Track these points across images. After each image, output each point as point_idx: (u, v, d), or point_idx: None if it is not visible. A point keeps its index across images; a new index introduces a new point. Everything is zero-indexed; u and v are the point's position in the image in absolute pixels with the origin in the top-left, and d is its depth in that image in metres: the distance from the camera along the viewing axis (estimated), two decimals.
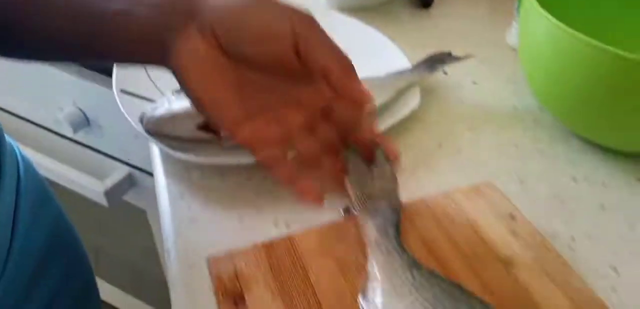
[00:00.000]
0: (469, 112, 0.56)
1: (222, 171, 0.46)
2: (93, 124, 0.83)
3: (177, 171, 0.47)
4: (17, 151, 0.50)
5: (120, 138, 0.83)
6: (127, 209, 0.94)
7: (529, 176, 0.48)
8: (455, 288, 0.34)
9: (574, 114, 0.51)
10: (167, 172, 0.47)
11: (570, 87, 0.48)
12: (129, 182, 0.86)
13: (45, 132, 0.92)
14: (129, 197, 0.90)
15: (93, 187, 0.83)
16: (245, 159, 0.42)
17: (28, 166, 0.51)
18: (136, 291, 1.21)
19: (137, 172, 0.86)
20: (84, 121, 0.82)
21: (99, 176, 0.85)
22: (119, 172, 0.85)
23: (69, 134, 0.84)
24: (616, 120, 0.48)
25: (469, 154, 0.51)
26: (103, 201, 0.84)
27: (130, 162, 0.86)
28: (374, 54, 0.57)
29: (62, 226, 0.55)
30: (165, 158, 0.48)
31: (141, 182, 0.87)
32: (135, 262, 1.12)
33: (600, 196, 0.47)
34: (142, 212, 0.93)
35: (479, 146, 0.52)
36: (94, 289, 0.62)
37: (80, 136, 0.86)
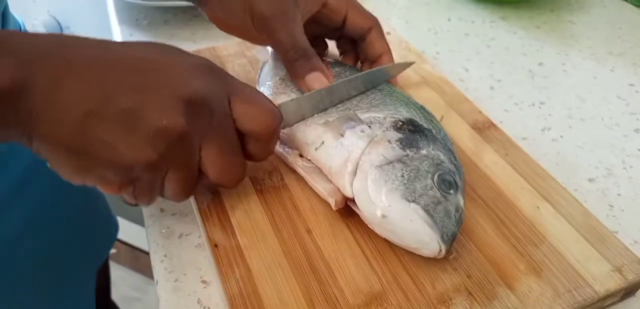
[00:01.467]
0: None
1: (166, 18, 0.58)
2: (65, 30, 0.93)
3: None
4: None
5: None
6: None
7: (413, 20, 0.61)
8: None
9: None
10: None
11: None
12: None
13: None
14: None
15: None
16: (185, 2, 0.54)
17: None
18: None
19: None
20: (57, 28, 0.92)
21: None
22: None
23: None
24: None
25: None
26: None
27: None
28: None
29: None
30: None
31: None
32: None
33: (467, 29, 0.59)
34: None
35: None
36: None
37: None
